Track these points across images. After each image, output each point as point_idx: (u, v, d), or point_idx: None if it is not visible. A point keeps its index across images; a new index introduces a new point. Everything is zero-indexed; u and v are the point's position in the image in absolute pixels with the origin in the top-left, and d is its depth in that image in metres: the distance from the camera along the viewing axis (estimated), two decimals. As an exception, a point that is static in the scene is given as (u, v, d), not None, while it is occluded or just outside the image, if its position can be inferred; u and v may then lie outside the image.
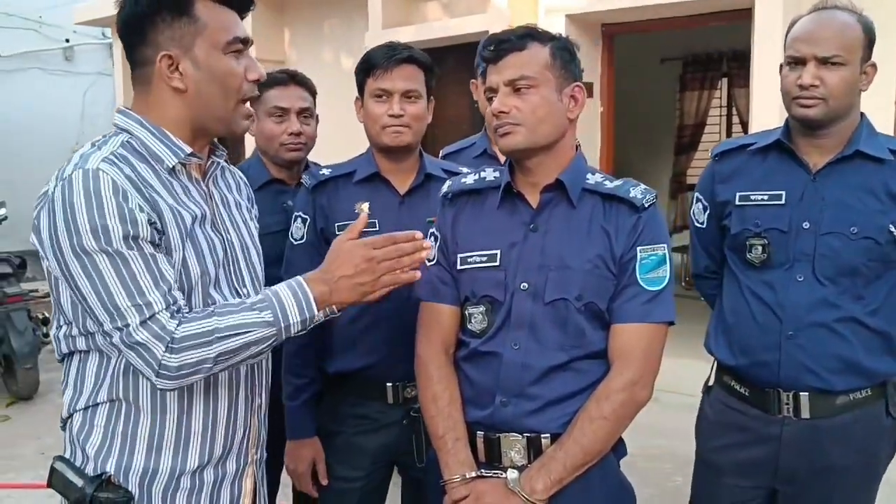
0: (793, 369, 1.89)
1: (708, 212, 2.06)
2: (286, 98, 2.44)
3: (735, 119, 8.26)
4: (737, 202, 1.99)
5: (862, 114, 1.93)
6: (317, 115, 2.55)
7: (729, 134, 8.51)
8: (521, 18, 5.63)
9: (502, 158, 2.82)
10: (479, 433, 1.65)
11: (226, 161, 1.61)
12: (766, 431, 1.94)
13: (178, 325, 1.30)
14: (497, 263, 1.66)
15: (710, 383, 2.13)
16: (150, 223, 1.33)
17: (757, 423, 1.96)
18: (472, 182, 1.76)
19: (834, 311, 1.87)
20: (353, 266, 1.38)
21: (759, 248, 1.93)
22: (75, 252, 1.29)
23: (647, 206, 1.63)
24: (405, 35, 6.33)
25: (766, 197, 1.94)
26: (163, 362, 1.29)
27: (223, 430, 1.48)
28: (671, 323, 1.64)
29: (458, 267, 1.70)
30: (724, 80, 8.23)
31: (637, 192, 1.64)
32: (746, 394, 1.99)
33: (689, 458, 2.16)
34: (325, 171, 2.07)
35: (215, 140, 1.56)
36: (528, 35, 1.64)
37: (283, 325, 1.36)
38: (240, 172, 1.71)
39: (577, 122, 1.70)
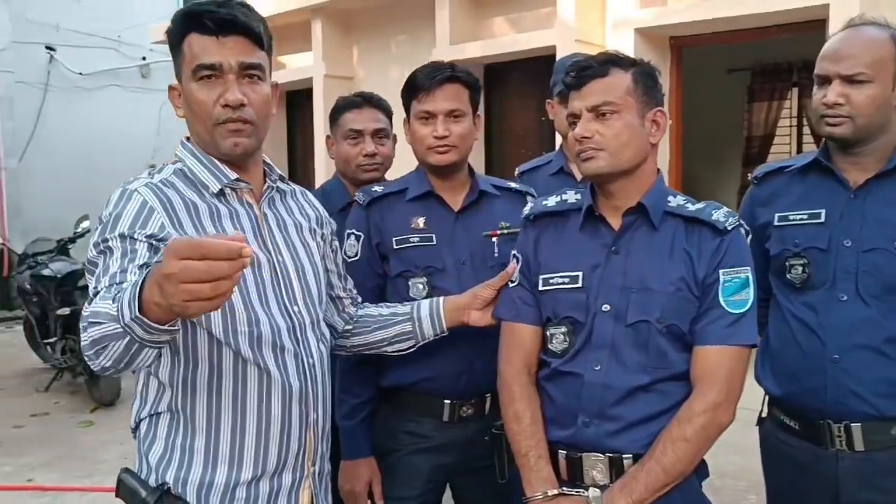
0: (839, 395, 1.82)
1: (750, 237, 2.06)
2: (360, 120, 2.53)
3: (806, 129, 8.07)
4: (776, 223, 1.96)
5: None
6: (394, 136, 2.62)
7: (800, 145, 8.31)
8: (588, 33, 5.64)
9: (579, 176, 2.85)
10: (561, 452, 1.67)
11: (281, 182, 1.65)
12: (821, 468, 1.87)
13: (87, 304, 1.25)
14: (579, 285, 1.68)
15: (763, 415, 2.08)
16: (151, 241, 1.35)
17: (810, 459, 1.89)
18: (554, 204, 1.79)
19: (880, 332, 1.80)
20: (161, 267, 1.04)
21: (799, 267, 1.90)
22: (92, 255, 1.39)
23: (730, 228, 1.64)
24: (472, 51, 6.38)
25: (804, 216, 1.91)
26: (82, 342, 1.24)
27: (276, 444, 1.51)
28: (754, 345, 1.64)
29: (541, 288, 1.73)
30: (794, 91, 8.04)
31: (720, 214, 1.65)
32: (797, 427, 1.93)
33: (762, 477, 2.13)
34: (378, 189, 2.10)
35: (270, 163, 1.63)
36: (609, 61, 1.67)
37: (123, 321, 1.14)
38: (311, 196, 1.77)
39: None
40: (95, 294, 1.28)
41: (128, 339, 1.16)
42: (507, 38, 6.30)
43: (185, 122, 1.56)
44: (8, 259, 8.77)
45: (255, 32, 1.48)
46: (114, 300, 1.17)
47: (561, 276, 1.71)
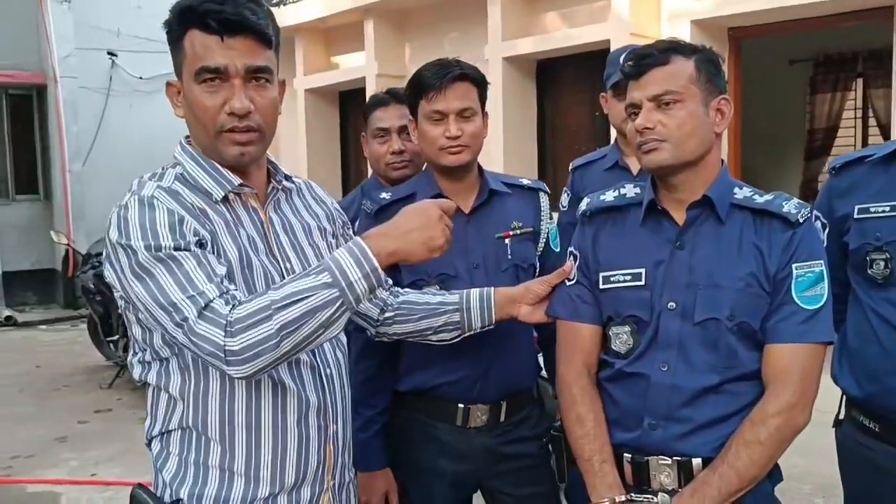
0: None
1: (827, 230, 1.95)
2: (387, 118, 2.49)
3: (872, 122, 7.80)
4: (856, 216, 1.86)
5: None
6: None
7: (865, 137, 8.04)
8: (643, 26, 5.53)
9: (635, 170, 2.77)
10: (627, 455, 1.62)
11: (290, 182, 1.57)
12: None
13: (231, 309, 1.26)
14: (642, 282, 1.62)
15: (841, 417, 1.99)
16: (201, 245, 1.34)
17: (892, 462, 1.80)
18: (612, 199, 1.73)
19: None
20: (426, 219, 1.40)
21: (882, 262, 1.80)
22: (134, 273, 1.31)
23: (801, 220, 1.57)
24: (524, 46, 6.34)
25: (887, 208, 1.81)
26: (226, 348, 1.25)
27: (294, 459, 1.46)
28: (830, 343, 1.57)
29: (601, 286, 1.68)
30: (859, 81, 7.79)
31: (791, 206, 1.58)
32: (877, 430, 1.84)
33: (828, 479, 2.03)
34: (386, 196, 2.02)
35: (274, 162, 1.55)
36: (671, 48, 1.60)
37: (343, 283, 1.30)
38: (319, 190, 1.69)
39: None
40: (207, 303, 1.27)
41: (339, 302, 1.29)
42: (559, 33, 6.25)
43: (186, 123, 1.48)
44: (73, 259, 9.02)
45: (263, 32, 1.38)
46: (297, 279, 1.30)
47: (623, 274, 1.65)
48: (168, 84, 1.47)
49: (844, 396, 1.96)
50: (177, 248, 1.31)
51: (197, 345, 1.28)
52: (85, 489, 4.32)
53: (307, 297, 1.27)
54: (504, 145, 6.48)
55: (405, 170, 2.48)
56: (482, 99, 1.99)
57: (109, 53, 11.08)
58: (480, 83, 1.98)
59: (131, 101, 11.19)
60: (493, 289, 1.82)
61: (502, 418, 1.99)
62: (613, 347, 1.66)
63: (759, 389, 1.58)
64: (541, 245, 2.06)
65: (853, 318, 1.91)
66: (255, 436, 1.42)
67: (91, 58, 10.80)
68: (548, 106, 6.66)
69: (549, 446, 1.99)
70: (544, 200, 2.09)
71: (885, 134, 7.46)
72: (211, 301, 1.27)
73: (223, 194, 1.43)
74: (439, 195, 1.97)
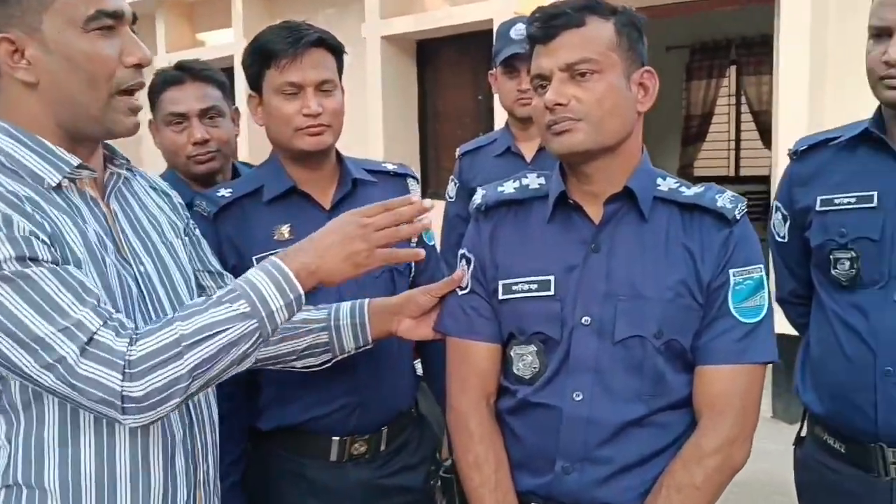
0: (893, 416, 1.54)
1: (789, 223, 1.73)
2: (182, 100, 2.02)
3: (745, 108, 8.00)
4: (818, 208, 1.65)
5: None
6: (235, 110, 2.12)
7: (738, 124, 8.24)
8: (529, 5, 5.32)
9: (529, 156, 2.51)
10: (535, 506, 1.34)
11: (128, 170, 1.29)
12: (873, 500, 1.59)
13: (130, 345, 1.04)
14: (551, 292, 1.34)
15: (803, 434, 1.78)
16: (47, 246, 1.06)
17: (860, 489, 1.61)
18: (513, 191, 1.44)
19: None
20: (344, 234, 1.21)
21: (846, 262, 1.60)
22: None
23: (738, 217, 1.32)
24: (403, 25, 6.11)
25: (853, 199, 1.60)
26: (124, 393, 1.03)
27: None
28: (772, 362, 1.33)
29: (501, 296, 1.38)
30: (733, 69, 7.98)
31: (725, 200, 1.33)
32: (843, 451, 1.64)
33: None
34: (225, 193, 1.66)
35: (111, 146, 1.27)
36: (586, 7, 1.30)
37: (263, 313, 1.13)
38: (155, 178, 1.41)
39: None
40: (90, 337, 1.02)
41: (257, 335, 1.12)
42: (440, 12, 6.06)
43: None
44: None
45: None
46: (210, 307, 1.10)
47: (526, 282, 1.36)
48: (5, 40, 1.13)
49: (807, 412, 1.75)
50: (22, 260, 1.02)
51: (79, 389, 1.03)
52: None
53: (223, 330, 1.09)
54: (384, 130, 6.28)
55: (212, 163, 2.03)
56: (340, 71, 1.66)
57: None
58: (338, 52, 1.65)
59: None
60: (366, 301, 1.51)
61: (383, 447, 1.70)
62: (516, 371, 1.37)
63: (689, 419, 1.33)
64: (414, 240, 1.75)
65: (816, 324, 1.69)
66: (108, 488, 1.14)
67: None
68: (429, 88, 6.50)
69: (439, 484, 1.68)
70: (414, 187, 1.78)
71: (758, 121, 7.68)
72: (94, 333, 1.03)
73: (59, 178, 1.13)
74: (293, 189, 1.64)
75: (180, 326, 1.07)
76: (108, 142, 1.26)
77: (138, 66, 1.16)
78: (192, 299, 1.28)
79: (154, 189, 1.38)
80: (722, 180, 8.25)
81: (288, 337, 1.46)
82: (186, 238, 1.38)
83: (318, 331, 1.48)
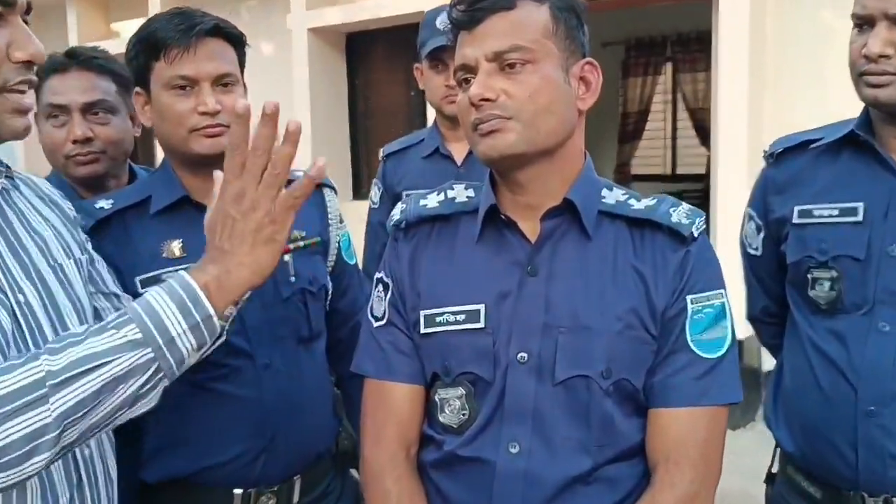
0: (875, 461, 1.36)
1: (763, 234, 1.54)
2: (64, 91, 1.76)
3: (681, 106, 8.01)
4: (795, 220, 1.47)
5: None
6: (124, 109, 1.84)
7: (675, 122, 8.24)
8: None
9: (459, 158, 2.31)
10: (464, 582, 1.13)
11: (8, 177, 1.11)
12: None
13: None
14: (481, 324, 1.14)
15: (774, 470, 1.60)
16: None
17: None
18: (437, 205, 1.24)
19: None
20: (230, 219, 0.98)
21: (826, 283, 1.42)
22: None
23: (696, 235, 1.14)
24: (331, 16, 5.93)
25: (835, 211, 1.43)
26: None
27: None
28: (736, 402, 1.15)
29: (423, 329, 1.18)
30: (668, 66, 7.97)
31: (680, 215, 1.14)
32: (818, 497, 1.46)
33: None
34: (104, 204, 1.47)
35: None
36: None
37: (161, 340, 0.93)
38: (43, 185, 1.21)
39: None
40: None
41: (154, 368, 0.93)
42: (369, 2, 5.87)
43: None
44: None
45: None
46: (90, 336, 0.91)
47: (453, 312, 1.17)
48: None
49: (779, 449, 1.58)
50: None
51: None
52: None
53: (105, 363, 0.90)
54: (312, 129, 6.07)
55: (94, 165, 1.78)
56: (242, 66, 1.46)
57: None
58: (239, 42, 1.44)
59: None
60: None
61: (296, 499, 1.48)
62: (441, 419, 1.17)
63: (641, 470, 1.15)
64: (331, 259, 1.58)
65: (790, 351, 1.52)
66: None
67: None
68: (360, 84, 6.32)
69: None
70: (331, 198, 1.59)
71: (695, 119, 7.69)
72: None
73: None
74: (185, 199, 1.42)
75: (48, 362, 0.88)
76: None
77: (29, 63, 1.01)
78: (88, 324, 1.06)
79: (42, 199, 1.18)
80: (658, 178, 8.26)
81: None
82: (84, 257, 1.18)
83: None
